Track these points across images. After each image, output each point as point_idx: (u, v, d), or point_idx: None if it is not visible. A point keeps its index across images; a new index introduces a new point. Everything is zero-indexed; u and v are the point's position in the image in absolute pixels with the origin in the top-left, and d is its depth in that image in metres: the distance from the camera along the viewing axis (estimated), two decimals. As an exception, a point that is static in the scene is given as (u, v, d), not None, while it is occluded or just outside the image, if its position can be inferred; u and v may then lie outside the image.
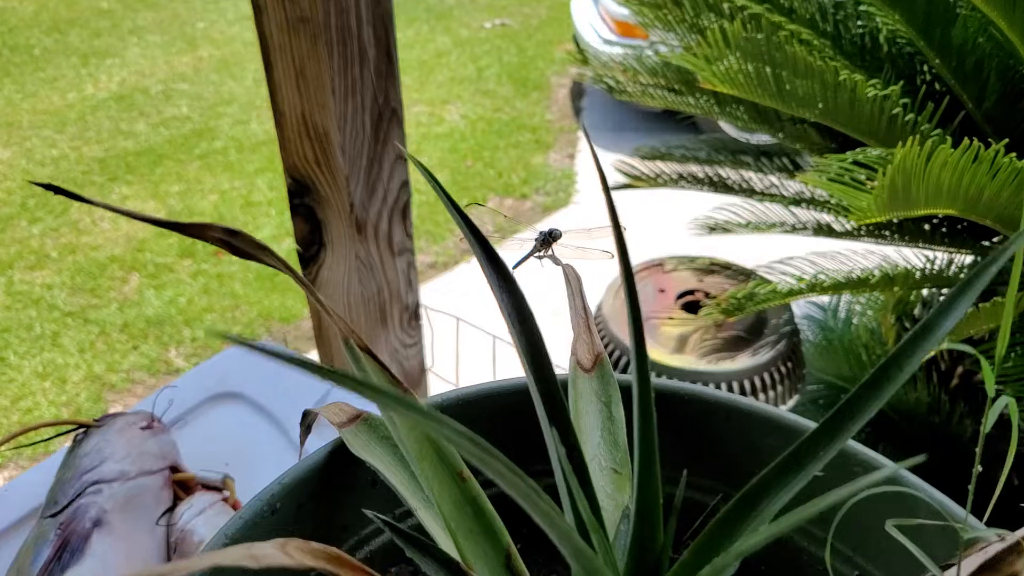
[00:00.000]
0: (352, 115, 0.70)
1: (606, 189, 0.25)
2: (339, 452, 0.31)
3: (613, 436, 0.32)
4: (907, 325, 1.74)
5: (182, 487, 0.56)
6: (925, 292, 1.72)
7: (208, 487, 0.55)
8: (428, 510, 0.29)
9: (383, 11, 0.69)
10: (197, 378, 0.68)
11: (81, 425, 0.55)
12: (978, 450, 0.24)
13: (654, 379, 0.37)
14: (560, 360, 0.33)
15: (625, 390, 0.34)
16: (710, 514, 0.35)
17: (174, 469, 0.56)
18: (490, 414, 0.35)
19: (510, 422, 0.33)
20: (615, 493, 0.30)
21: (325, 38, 0.65)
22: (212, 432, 0.64)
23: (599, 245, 0.44)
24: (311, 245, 0.79)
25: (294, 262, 0.83)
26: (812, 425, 0.31)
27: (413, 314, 0.86)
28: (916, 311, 1.76)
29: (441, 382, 0.91)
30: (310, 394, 0.67)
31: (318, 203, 0.75)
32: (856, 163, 0.95)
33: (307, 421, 0.33)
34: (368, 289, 0.79)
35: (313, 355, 0.94)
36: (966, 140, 0.83)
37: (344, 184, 0.72)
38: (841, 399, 0.23)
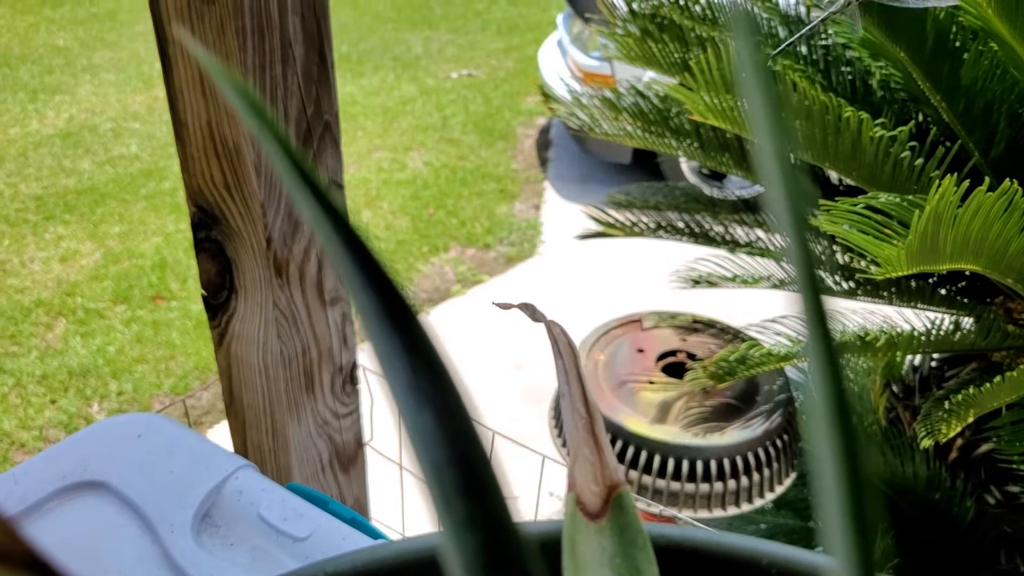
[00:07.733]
0: (271, 126, 0.55)
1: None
2: None
3: (649, 660, 0.17)
4: (895, 391, 1.63)
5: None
6: (913, 356, 1.61)
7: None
8: None
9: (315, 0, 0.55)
10: (47, 462, 0.51)
11: None
12: None
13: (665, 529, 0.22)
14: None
15: (661, 551, 0.19)
16: None
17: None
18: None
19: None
20: None
21: (235, 25, 0.51)
22: (60, 536, 0.47)
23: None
24: (220, 290, 0.63)
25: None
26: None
27: (348, 378, 0.70)
28: (904, 374, 1.65)
29: (381, 459, 0.75)
30: (198, 485, 0.51)
31: (228, 237, 0.60)
32: (869, 208, 0.83)
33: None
34: (290, 346, 0.63)
35: (223, 428, 0.77)
36: (1007, 182, 0.71)
37: (259, 213, 0.57)
38: None
